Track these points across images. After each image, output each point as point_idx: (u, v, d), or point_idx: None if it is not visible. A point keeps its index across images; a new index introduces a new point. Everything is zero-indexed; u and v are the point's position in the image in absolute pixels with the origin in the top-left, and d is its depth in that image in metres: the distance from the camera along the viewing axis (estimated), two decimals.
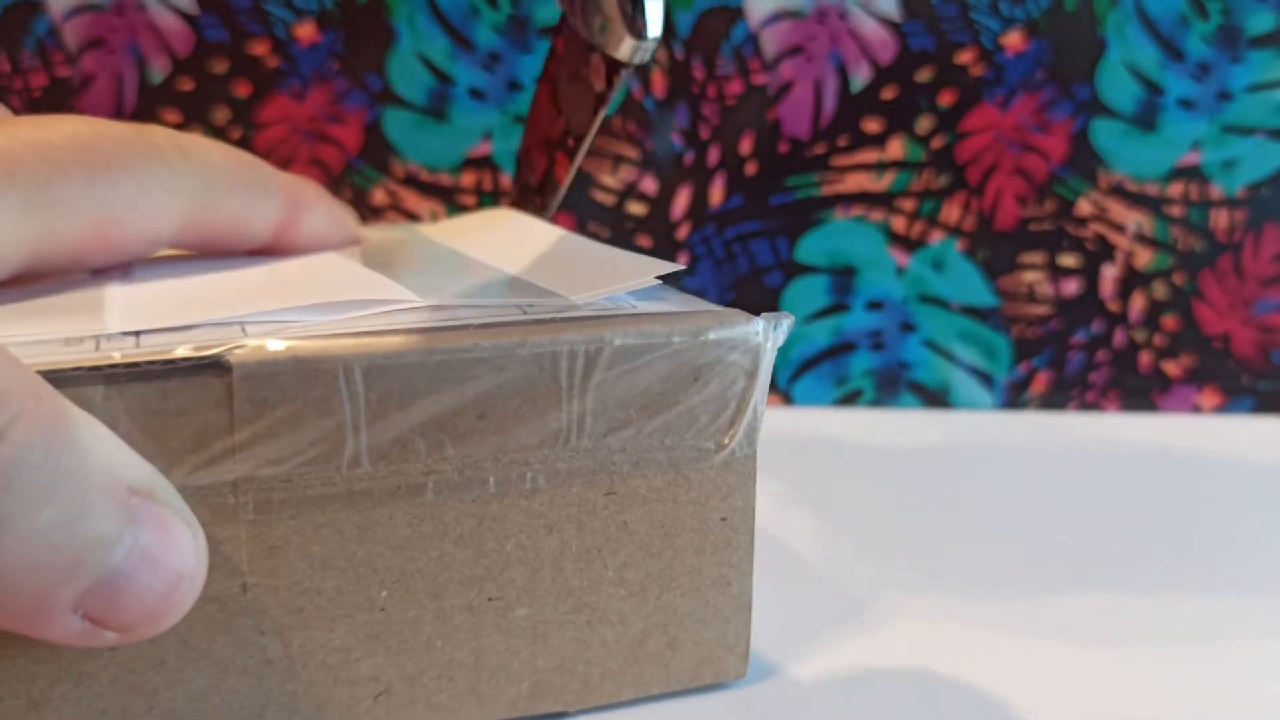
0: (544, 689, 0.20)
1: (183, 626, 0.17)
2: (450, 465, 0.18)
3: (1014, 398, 0.40)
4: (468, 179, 0.39)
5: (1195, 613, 0.25)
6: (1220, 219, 0.39)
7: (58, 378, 0.16)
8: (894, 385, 0.41)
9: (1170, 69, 0.38)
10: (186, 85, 0.38)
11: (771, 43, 0.38)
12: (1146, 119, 0.39)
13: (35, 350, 0.16)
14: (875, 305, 0.40)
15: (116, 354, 0.16)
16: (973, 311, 0.40)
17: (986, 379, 0.40)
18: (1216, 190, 0.39)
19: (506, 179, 0.39)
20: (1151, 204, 0.39)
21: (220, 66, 0.38)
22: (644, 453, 0.20)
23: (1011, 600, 0.26)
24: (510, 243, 0.25)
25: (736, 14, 0.38)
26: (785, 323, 0.20)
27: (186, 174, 0.21)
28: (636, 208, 0.40)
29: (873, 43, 0.38)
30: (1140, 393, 0.41)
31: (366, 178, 0.39)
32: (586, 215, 0.40)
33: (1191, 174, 0.39)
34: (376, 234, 0.28)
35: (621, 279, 0.21)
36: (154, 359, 0.16)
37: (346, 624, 0.19)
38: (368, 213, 0.40)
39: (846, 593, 0.26)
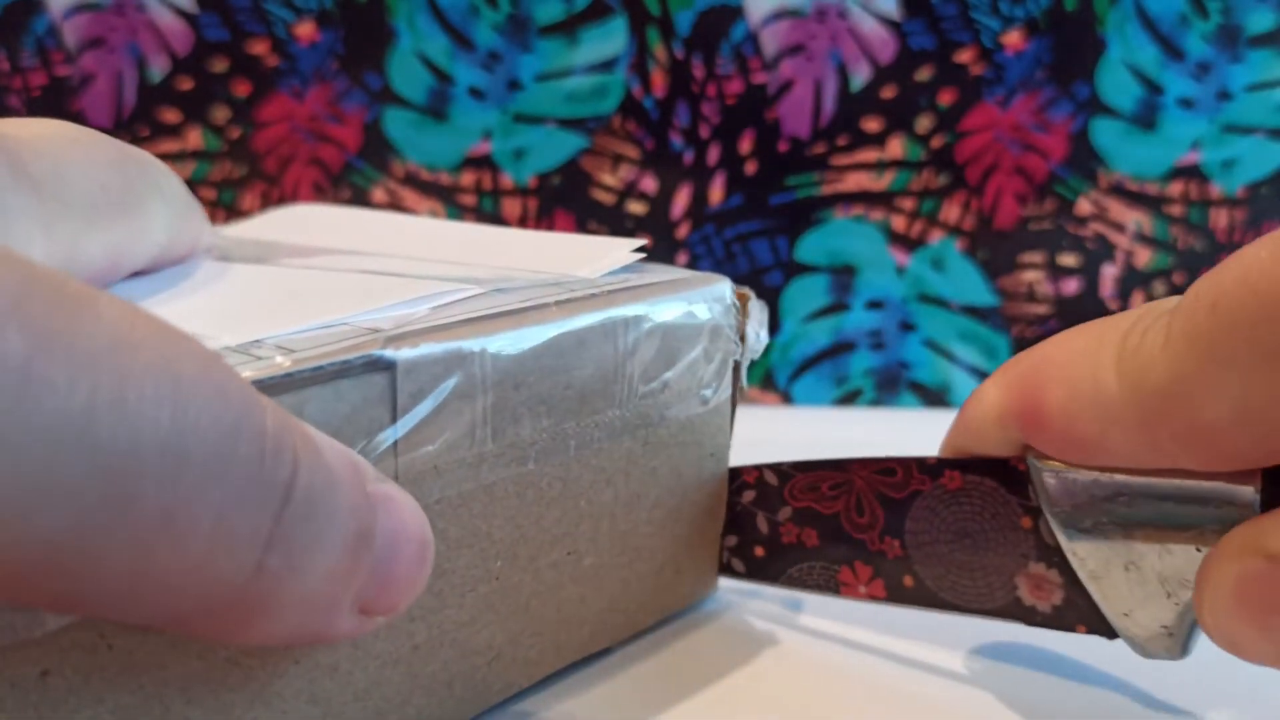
0: (599, 629, 0.22)
1: None
2: (546, 433, 0.20)
3: None
4: (467, 178, 0.39)
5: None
6: (1220, 219, 0.39)
7: (264, 390, 0.15)
8: (894, 385, 0.41)
9: (1170, 68, 0.38)
10: (186, 84, 0.38)
11: (771, 42, 0.38)
12: (1146, 118, 0.39)
13: None
14: (875, 305, 0.40)
15: (285, 361, 0.16)
16: (973, 311, 0.40)
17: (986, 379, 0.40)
18: (1216, 190, 0.39)
19: (506, 178, 0.39)
20: (1151, 203, 0.39)
21: (220, 66, 0.38)
22: (666, 405, 0.22)
23: None
24: (416, 235, 0.26)
25: (736, 13, 0.38)
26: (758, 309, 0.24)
27: (174, 200, 0.21)
28: (636, 207, 0.40)
29: (873, 42, 0.38)
30: None
31: (366, 177, 0.39)
32: (586, 215, 0.40)
33: (1191, 173, 0.39)
34: (220, 242, 0.26)
35: (615, 257, 0.23)
36: (333, 361, 0.16)
37: (472, 598, 0.19)
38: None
39: None
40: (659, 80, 0.39)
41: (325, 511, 0.14)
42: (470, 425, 0.18)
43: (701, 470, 0.24)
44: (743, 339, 0.24)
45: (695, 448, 0.23)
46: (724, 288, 0.23)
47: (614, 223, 0.40)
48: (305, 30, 0.38)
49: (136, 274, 0.21)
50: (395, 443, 0.17)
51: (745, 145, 0.39)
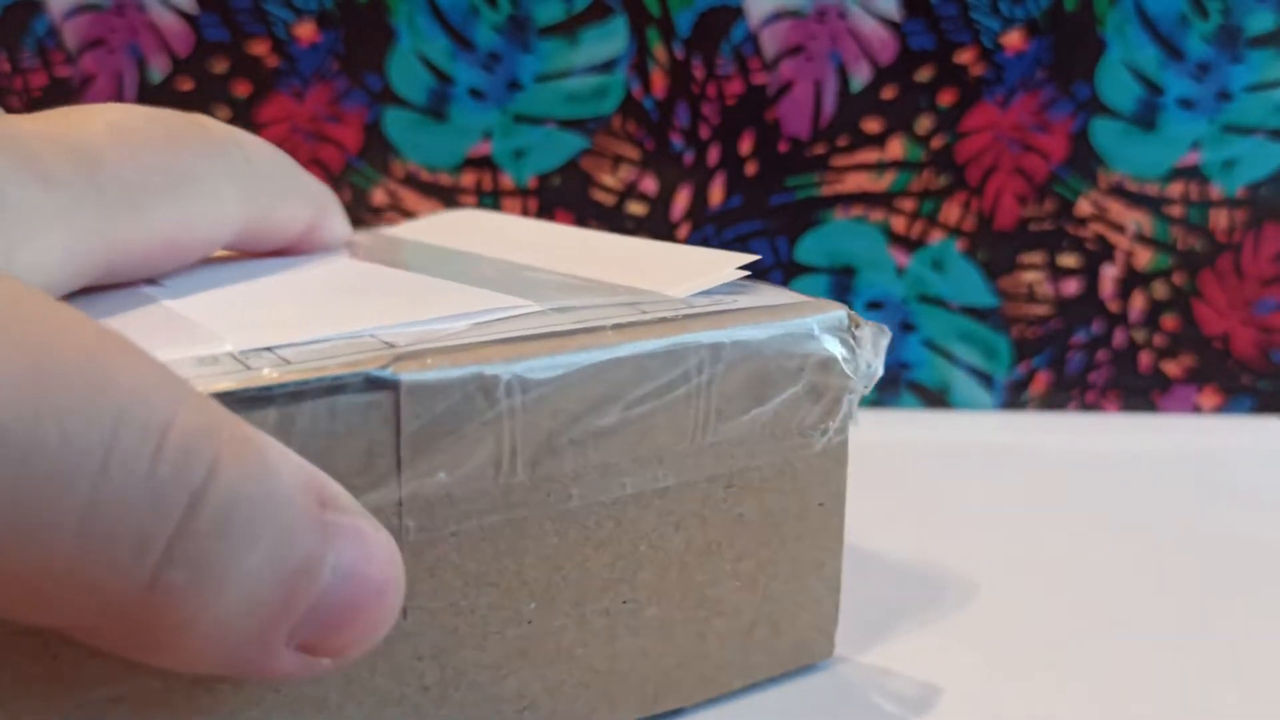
0: (667, 687, 0.20)
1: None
2: (593, 469, 0.18)
3: (1014, 398, 0.40)
4: (468, 179, 0.39)
5: (1195, 613, 0.25)
6: (1220, 219, 0.39)
7: (231, 403, 0.14)
8: (894, 385, 0.41)
9: (1170, 69, 0.38)
10: (186, 85, 0.38)
11: (771, 42, 0.38)
12: (1146, 119, 0.39)
13: (185, 374, 0.15)
14: (875, 305, 0.40)
15: (274, 373, 0.15)
16: (973, 311, 0.40)
17: (986, 379, 0.40)
18: (1216, 190, 0.39)
19: (506, 179, 0.39)
20: (1151, 204, 0.39)
21: (220, 66, 0.38)
22: (759, 444, 0.20)
23: (1009, 601, 0.26)
24: (541, 243, 0.24)
25: (736, 13, 0.38)
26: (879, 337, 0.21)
27: (252, 179, 0.20)
28: (636, 208, 0.40)
29: (873, 42, 0.38)
30: (1140, 393, 0.40)
31: (366, 177, 0.39)
32: (586, 215, 0.40)
33: (1191, 174, 0.39)
34: (365, 239, 0.27)
35: (713, 275, 0.21)
36: (323, 376, 0.15)
37: (497, 640, 0.18)
38: (368, 213, 0.40)
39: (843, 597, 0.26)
40: (659, 81, 0.39)
41: (253, 532, 0.13)
42: (495, 454, 0.17)
43: (806, 520, 0.21)
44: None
45: (797, 495, 0.21)
46: (837, 315, 0.20)
47: (614, 224, 0.40)
48: (305, 31, 0.38)
49: (225, 260, 0.21)
50: (398, 467, 0.16)
51: (745, 146, 0.39)
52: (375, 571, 0.14)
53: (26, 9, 0.37)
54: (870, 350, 0.21)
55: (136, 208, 0.17)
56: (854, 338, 0.20)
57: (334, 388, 0.15)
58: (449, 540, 0.17)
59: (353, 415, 0.16)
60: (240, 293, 0.19)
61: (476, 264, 0.23)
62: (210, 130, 0.20)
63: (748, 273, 0.21)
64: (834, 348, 0.20)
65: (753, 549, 0.20)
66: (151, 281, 0.20)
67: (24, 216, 0.16)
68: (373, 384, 0.16)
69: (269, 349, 0.16)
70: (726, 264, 0.21)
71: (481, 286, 0.20)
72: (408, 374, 0.16)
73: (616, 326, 0.18)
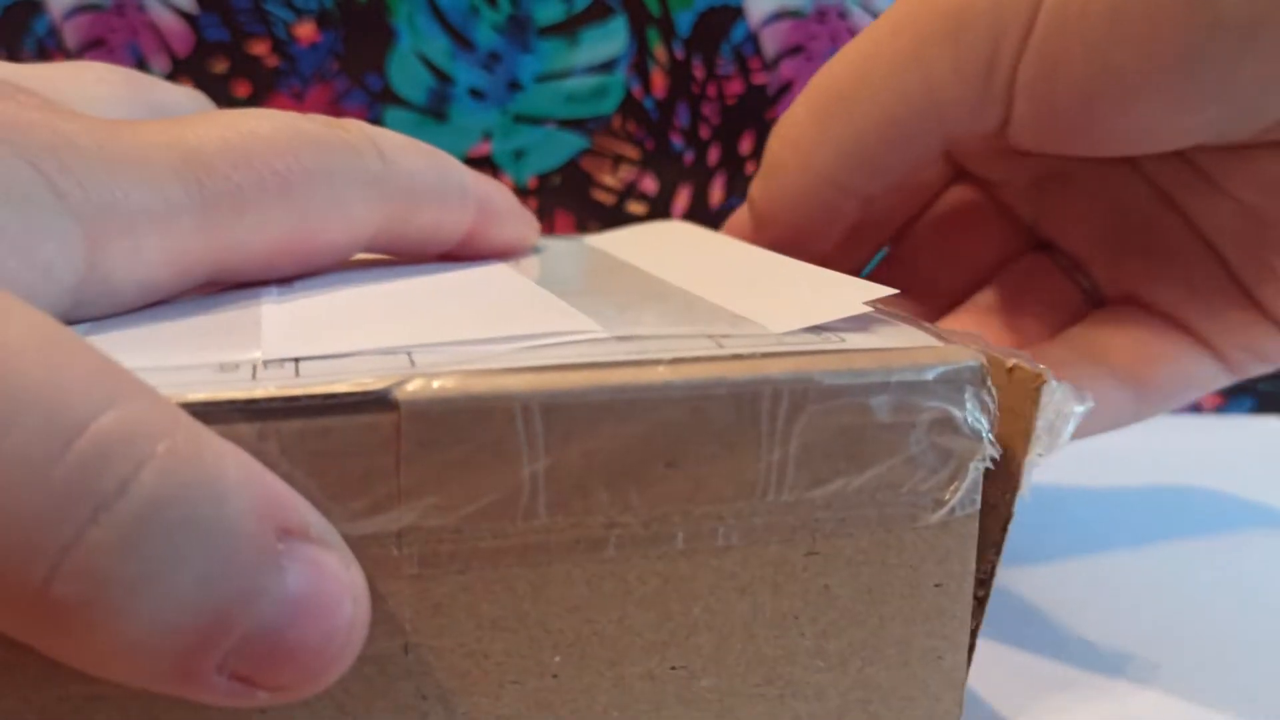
0: None
1: (338, 689, 0.16)
2: (635, 518, 0.16)
3: None
4: None
5: (1196, 613, 0.25)
6: None
7: (205, 413, 0.14)
8: None
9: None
10: (186, 85, 0.38)
11: (771, 42, 0.38)
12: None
13: (184, 379, 0.14)
14: None
15: (272, 386, 0.14)
16: None
17: None
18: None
19: (506, 179, 0.39)
20: None
21: (220, 66, 0.38)
22: (852, 508, 0.17)
23: (1007, 601, 0.26)
24: (697, 262, 0.23)
25: (736, 13, 0.38)
26: (1075, 403, 0.18)
27: (387, 182, 0.19)
28: (636, 208, 0.40)
29: None
30: None
31: None
32: (587, 215, 0.40)
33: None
34: (546, 243, 0.26)
35: (828, 307, 0.18)
36: (314, 393, 0.14)
37: (515, 690, 0.17)
38: None
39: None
40: (659, 81, 0.39)
41: (176, 553, 0.12)
42: (513, 489, 0.15)
43: (917, 602, 0.18)
44: (1025, 437, 0.18)
45: (904, 571, 0.18)
46: (964, 365, 0.17)
47: (614, 224, 0.40)
48: (305, 31, 0.38)
49: (369, 263, 0.21)
50: (398, 495, 0.15)
51: (745, 146, 0.39)
52: (326, 610, 0.13)
53: (26, 9, 0.37)
54: (1053, 412, 0.18)
55: (243, 212, 0.17)
56: (990, 393, 0.17)
57: (327, 406, 0.14)
58: (457, 578, 0.16)
59: (349, 436, 0.15)
60: (337, 299, 0.19)
61: (619, 281, 0.22)
62: (345, 131, 0.19)
63: (882, 310, 0.19)
64: (956, 405, 0.17)
65: (842, 627, 0.18)
66: (285, 282, 0.19)
67: (119, 214, 0.16)
68: (372, 404, 0.15)
69: (296, 359, 0.15)
70: (854, 297, 0.18)
71: (604, 308, 0.19)
72: (410, 396, 0.15)
73: (673, 362, 0.16)
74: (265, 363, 0.15)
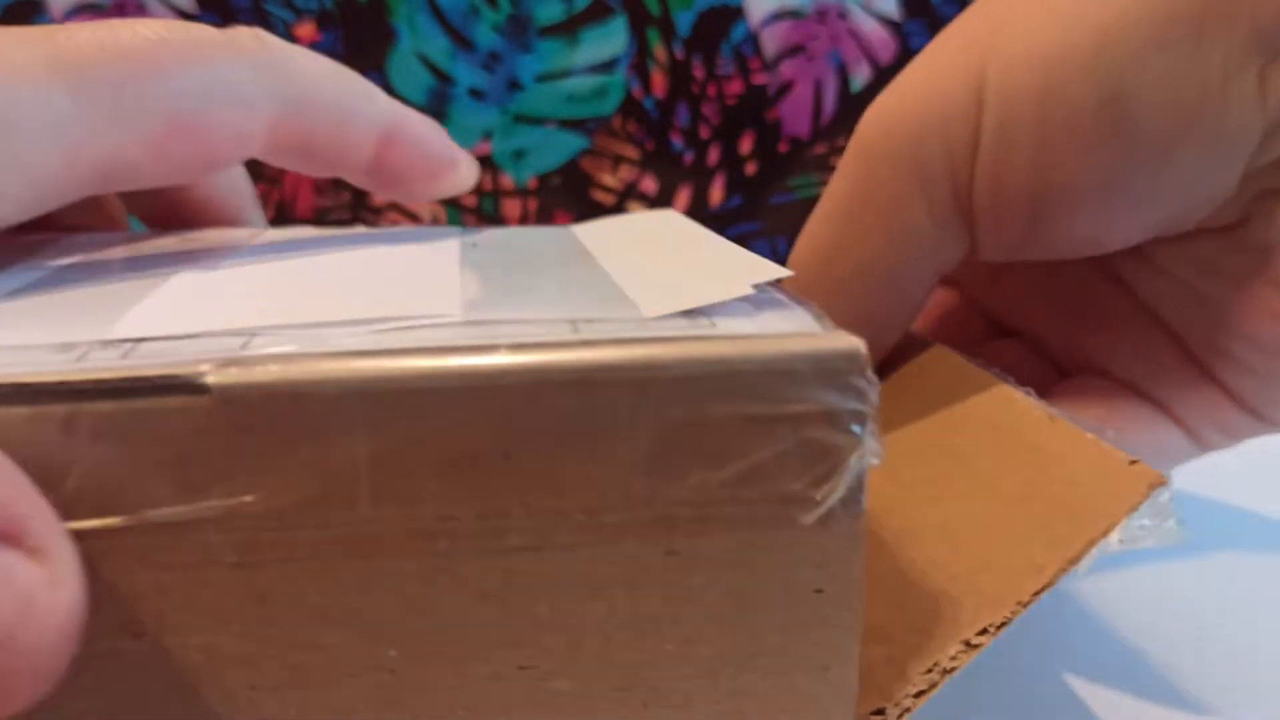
0: None
1: (167, 678, 0.15)
2: (469, 510, 0.15)
3: None
4: None
5: (1196, 613, 0.26)
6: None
7: (11, 395, 0.14)
8: None
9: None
10: None
11: (771, 42, 0.38)
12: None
13: (13, 359, 0.15)
14: None
15: (92, 368, 0.14)
16: None
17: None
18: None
19: (506, 179, 0.39)
20: None
21: None
22: (713, 506, 0.16)
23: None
24: (644, 248, 0.22)
25: (736, 13, 0.38)
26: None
27: (274, 66, 0.19)
28: (636, 208, 0.40)
29: (873, 42, 0.38)
30: None
31: None
32: (587, 215, 0.40)
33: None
34: (525, 231, 0.25)
35: (708, 290, 0.17)
36: (123, 376, 0.14)
37: (350, 684, 0.16)
38: (368, 213, 0.40)
39: None
40: (659, 81, 0.39)
41: None
42: (335, 478, 0.15)
43: (796, 609, 0.17)
44: (1111, 520, 0.16)
45: (778, 575, 0.17)
46: (843, 350, 0.16)
47: None
48: (305, 30, 0.38)
49: (307, 238, 0.21)
50: (212, 480, 0.15)
51: (745, 146, 0.39)
52: (8, 617, 0.12)
53: (27, 9, 0.37)
54: (1153, 507, 0.16)
55: (119, 96, 0.17)
56: (866, 381, 0.16)
57: (135, 389, 0.14)
58: (279, 568, 0.15)
59: (160, 420, 0.14)
60: (242, 274, 0.18)
61: (548, 268, 0.21)
62: (231, 30, 0.19)
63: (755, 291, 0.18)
64: (831, 396, 0.16)
65: (710, 633, 0.17)
66: (216, 256, 0.19)
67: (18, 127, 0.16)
68: (183, 388, 0.14)
69: (139, 340, 0.15)
70: (740, 278, 0.17)
71: (491, 287, 0.18)
72: (222, 380, 0.14)
73: (514, 347, 0.15)
74: (105, 342, 0.15)
